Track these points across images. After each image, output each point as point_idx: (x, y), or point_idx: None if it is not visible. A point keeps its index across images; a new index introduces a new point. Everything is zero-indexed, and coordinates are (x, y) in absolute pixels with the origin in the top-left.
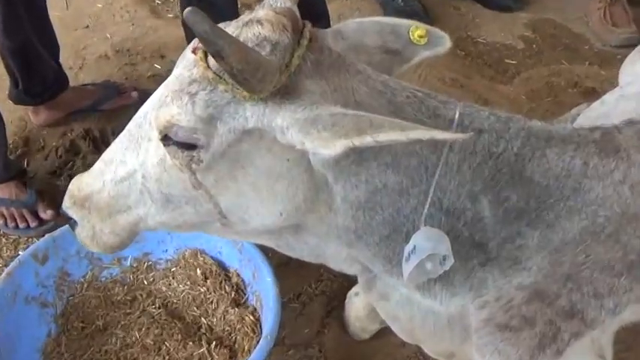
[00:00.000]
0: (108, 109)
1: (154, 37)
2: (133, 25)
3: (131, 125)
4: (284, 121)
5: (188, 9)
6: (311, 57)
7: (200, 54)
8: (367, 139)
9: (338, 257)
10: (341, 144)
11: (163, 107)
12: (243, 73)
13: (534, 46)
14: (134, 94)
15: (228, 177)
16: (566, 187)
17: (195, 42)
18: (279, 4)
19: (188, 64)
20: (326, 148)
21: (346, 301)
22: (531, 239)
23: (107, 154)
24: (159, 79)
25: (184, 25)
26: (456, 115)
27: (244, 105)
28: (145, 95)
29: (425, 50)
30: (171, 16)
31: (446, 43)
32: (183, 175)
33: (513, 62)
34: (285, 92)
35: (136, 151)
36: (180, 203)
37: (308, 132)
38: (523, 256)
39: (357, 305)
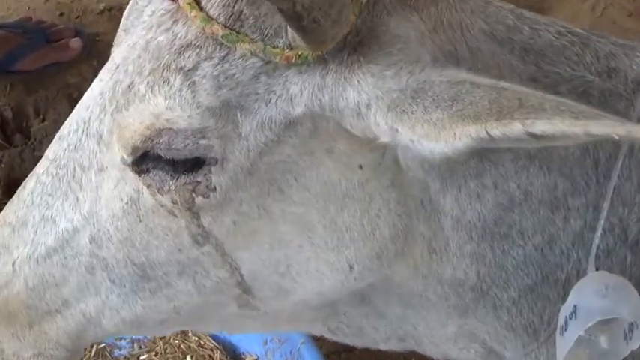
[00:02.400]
0: (28, 71)
1: None
2: None
3: (57, 148)
4: (362, 93)
5: None
6: None
7: (189, 5)
8: (515, 129)
9: (440, 336)
10: (466, 133)
11: (132, 106)
12: (313, 11)
13: None
14: (75, 42)
15: (258, 213)
16: None
17: None
18: None
19: (159, 20)
20: (437, 139)
21: None
22: None
23: (14, 209)
24: (119, 16)
25: None
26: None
27: (284, 75)
28: (94, 46)
29: None
30: None
31: None
32: (177, 222)
33: None
34: (357, 43)
35: (73, 194)
36: (169, 277)
37: (406, 111)
38: None
39: None
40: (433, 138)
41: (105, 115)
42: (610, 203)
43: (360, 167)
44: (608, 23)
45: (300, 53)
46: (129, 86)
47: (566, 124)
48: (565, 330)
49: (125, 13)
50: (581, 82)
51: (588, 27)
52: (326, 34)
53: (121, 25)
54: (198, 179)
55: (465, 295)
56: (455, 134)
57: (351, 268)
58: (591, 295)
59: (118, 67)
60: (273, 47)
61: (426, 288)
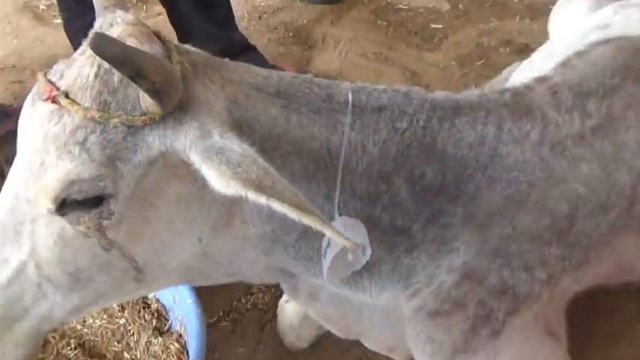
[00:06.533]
0: None
1: (41, 49)
2: (16, 37)
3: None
4: (187, 139)
5: (93, 35)
6: (184, 59)
7: (65, 101)
8: (261, 200)
9: (256, 269)
10: (234, 189)
11: (49, 171)
12: (164, 86)
13: (460, 5)
14: None
15: (141, 221)
16: (481, 155)
17: (40, 94)
18: (128, 17)
19: (43, 118)
20: (218, 182)
21: (278, 310)
22: (455, 216)
23: None
24: None
25: (68, 32)
26: (350, 96)
27: (142, 132)
28: None
29: None
30: (58, 21)
31: None
32: (91, 240)
33: (440, 26)
34: (179, 106)
35: (17, 241)
36: (92, 275)
37: (209, 157)
38: (449, 236)
39: (289, 313)
40: (215, 180)
41: (28, 185)
42: (342, 174)
43: (195, 180)
44: (351, 64)
45: (150, 117)
46: (41, 162)
47: (290, 210)
48: (325, 255)
49: (20, 122)
50: (314, 105)
51: (339, 67)
52: (173, 100)
53: (19, 130)
54: (103, 209)
55: (266, 243)
56: (228, 184)
57: (200, 240)
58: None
59: (32, 154)
60: (133, 116)
61: (244, 243)
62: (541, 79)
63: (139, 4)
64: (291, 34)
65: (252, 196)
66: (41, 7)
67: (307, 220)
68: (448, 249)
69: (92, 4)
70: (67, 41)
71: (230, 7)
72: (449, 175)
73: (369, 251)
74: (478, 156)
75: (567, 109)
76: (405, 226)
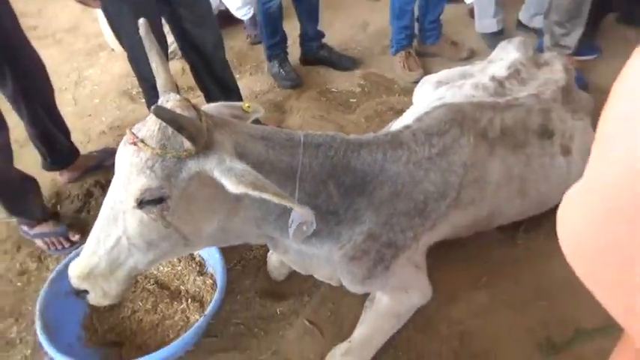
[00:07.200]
0: (109, 165)
1: (133, 117)
2: (119, 110)
3: (105, 212)
4: (211, 165)
5: (155, 106)
6: (208, 119)
7: (141, 144)
8: (256, 194)
9: (253, 235)
10: (241, 188)
11: (132, 184)
12: (197, 135)
13: (366, 89)
14: None
15: (187, 211)
16: (375, 169)
17: (128, 140)
18: (177, 96)
19: (129, 154)
20: (230, 186)
21: (267, 258)
22: (362, 204)
23: (92, 239)
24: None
25: (148, 107)
26: (302, 138)
27: (185, 161)
28: None
29: (252, 115)
30: (142, 101)
31: (260, 111)
32: (157, 222)
33: (354, 100)
34: (205, 146)
35: (115, 225)
36: (159, 242)
37: (224, 174)
38: (359, 215)
39: (273, 260)
40: (229, 185)
41: (121, 192)
42: (299, 181)
43: (217, 187)
44: (307, 121)
45: (189, 152)
46: (128, 179)
47: (276, 199)
48: (290, 227)
49: (117, 157)
50: (282, 143)
51: (300, 124)
52: (200, 143)
53: (116, 161)
54: (163, 205)
55: (258, 221)
56: (237, 187)
57: (218, 222)
58: (297, 214)
59: (123, 174)
60: (179, 152)
61: (245, 221)
62: (407, 127)
63: (189, 90)
64: (273, 106)
65: (251, 192)
66: (134, 92)
67: (284, 202)
68: (359, 222)
69: None
70: (147, 111)
71: (239, 92)
72: (358, 181)
73: (315, 225)
74: (373, 170)
75: (421, 142)
76: (335, 210)
